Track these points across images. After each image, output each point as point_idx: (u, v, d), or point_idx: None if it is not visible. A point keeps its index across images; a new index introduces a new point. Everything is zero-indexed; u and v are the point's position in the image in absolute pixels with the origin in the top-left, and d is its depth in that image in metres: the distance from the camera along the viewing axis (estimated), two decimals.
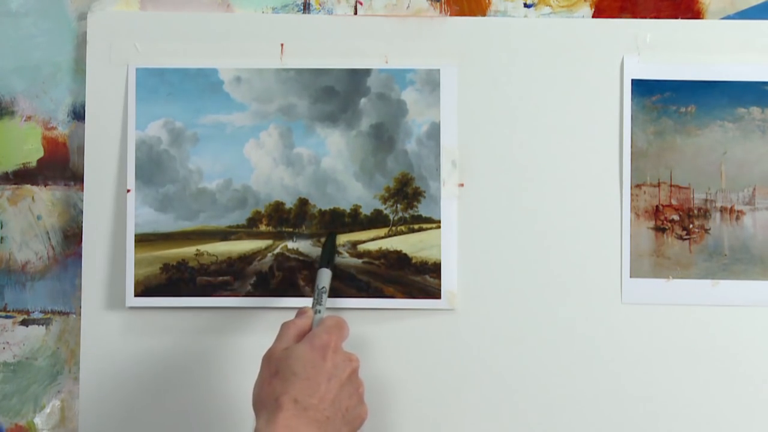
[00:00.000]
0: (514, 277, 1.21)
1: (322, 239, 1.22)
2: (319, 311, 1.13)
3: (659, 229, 1.21)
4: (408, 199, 1.22)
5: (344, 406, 1.06)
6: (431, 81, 1.22)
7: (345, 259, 1.22)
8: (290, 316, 1.21)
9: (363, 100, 1.22)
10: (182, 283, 1.22)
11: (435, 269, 1.21)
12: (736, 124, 1.21)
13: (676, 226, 1.21)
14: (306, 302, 1.20)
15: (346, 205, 1.22)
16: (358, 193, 1.22)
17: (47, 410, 1.25)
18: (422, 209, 1.21)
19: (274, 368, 1.05)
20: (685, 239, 1.21)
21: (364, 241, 1.22)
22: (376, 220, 1.22)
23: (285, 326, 1.10)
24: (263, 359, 1.07)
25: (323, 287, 1.15)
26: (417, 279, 1.21)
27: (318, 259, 1.20)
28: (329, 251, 1.20)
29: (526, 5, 1.24)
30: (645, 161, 1.21)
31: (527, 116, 1.22)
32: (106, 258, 1.22)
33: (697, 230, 1.21)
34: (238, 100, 1.22)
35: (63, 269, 1.25)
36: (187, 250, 1.22)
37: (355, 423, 1.07)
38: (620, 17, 1.23)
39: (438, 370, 1.21)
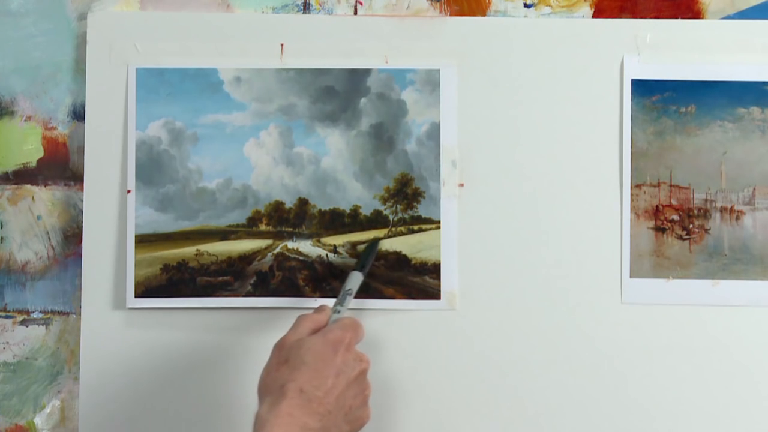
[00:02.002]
0: (514, 277, 1.21)
1: (322, 239, 1.22)
2: (339, 311, 1.12)
3: (659, 229, 1.21)
4: (408, 200, 1.22)
5: (348, 405, 1.06)
6: (431, 81, 1.22)
7: (345, 259, 1.22)
8: (290, 315, 1.21)
9: (363, 100, 1.22)
10: (182, 283, 1.22)
11: (435, 270, 1.21)
12: (736, 124, 1.21)
13: (676, 226, 1.21)
14: (306, 302, 1.21)
15: (345, 206, 1.22)
16: (357, 194, 1.22)
17: (47, 410, 1.25)
18: (422, 210, 1.21)
19: (285, 356, 1.05)
20: (685, 239, 1.21)
21: (363, 242, 1.22)
22: (376, 221, 1.22)
23: (301, 318, 1.10)
24: (275, 347, 1.07)
25: (350, 289, 1.15)
26: (417, 280, 1.21)
27: (357, 262, 1.20)
28: (368, 257, 1.19)
29: (526, 5, 1.24)
30: (645, 161, 1.21)
31: (527, 116, 1.22)
32: (107, 258, 1.22)
33: (697, 230, 1.21)
34: (238, 99, 1.23)
35: (63, 269, 1.25)
36: (187, 250, 1.22)
37: (356, 424, 1.07)
38: (620, 17, 1.23)
39: (438, 371, 1.21)
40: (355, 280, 1.16)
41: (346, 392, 1.05)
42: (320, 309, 1.13)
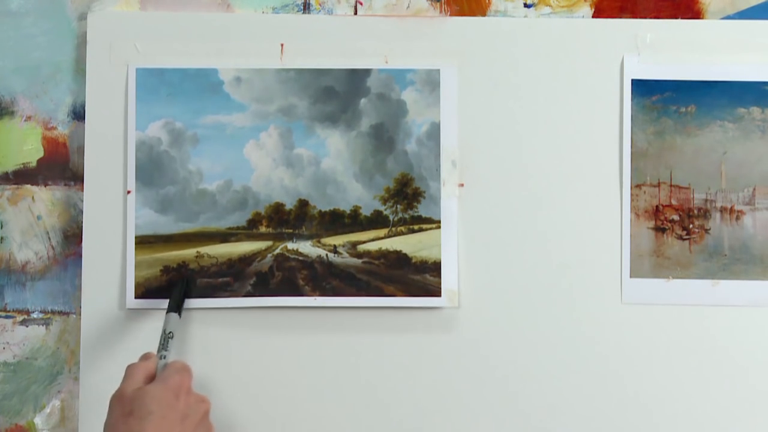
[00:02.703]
0: (514, 276, 1.21)
1: (322, 240, 1.22)
2: (164, 356, 1.12)
3: (659, 229, 1.21)
4: (408, 200, 1.22)
5: None
6: (431, 81, 1.22)
7: (345, 259, 1.22)
8: (291, 315, 1.21)
9: (363, 101, 1.22)
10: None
11: (435, 268, 1.21)
12: (736, 124, 1.21)
13: (676, 226, 1.21)
14: (305, 302, 1.20)
15: (346, 206, 1.22)
16: (358, 194, 1.22)
17: (47, 410, 1.25)
18: (422, 209, 1.21)
19: (128, 408, 1.04)
20: (685, 239, 1.21)
21: (364, 242, 1.22)
22: (376, 221, 1.22)
23: (131, 368, 1.09)
24: (113, 399, 1.06)
25: (170, 332, 1.15)
26: (417, 278, 1.21)
27: (169, 303, 1.19)
28: (180, 297, 1.19)
29: (526, 5, 1.24)
30: (645, 161, 1.21)
31: (527, 116, 1.22)
32: (107, 259, 1.22)
33: (697, 230, 1.21)
34: (238, 100, 1.22)
35: (63, 269, 1.25)
36: (187, 252, 1.22)
37: None
38: (620, 17, 1.23)
39: (438, 369, 1.21)
40: (173, 322, 1.17)
41: None
42: (146, 357, 1.12)
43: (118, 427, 1.03)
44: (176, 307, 1.18)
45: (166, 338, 1.14)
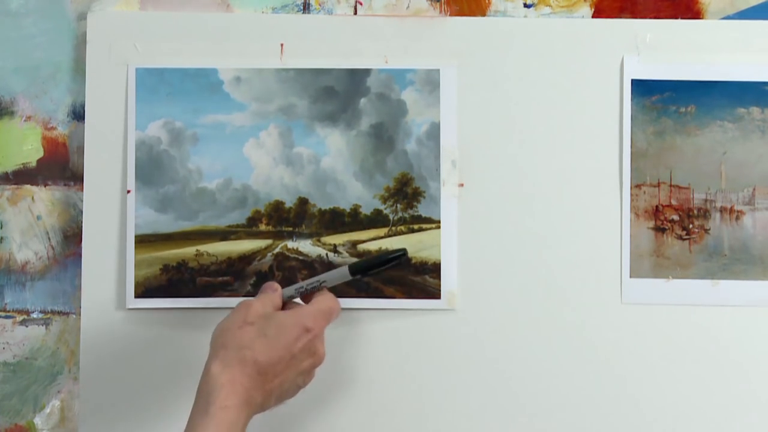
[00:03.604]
0: (514, 277, 1.21)
1: (322, 238, 1.22)
2: (290, 294, 1.12)
3: (659, 229, 1.21)
4: (408, 199, 1.22)
5: (285, 389, 1.07)
6: (431, 81, 1.22)
7: (345, 258, 1.22)
8: None
9: (363, 100, 1.22)
10: (182, 283, 1.22)
11: (435, 269, 1.21)
12: (736, 124, 1.21)
13: (676, 226, 1.21)
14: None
15: (345, 205, 1.22)
16: (358, 193, 1.22)
17: (47, 410, 1.25)
18: (422, 209, 1.21)
19: (252, 318, 1.06)
20: (685, 239, 1.21)
21: (363, 241, 1.22)
22: (376, 220, 1.22)
23: (262, 297, 1.10)
24: (242, 305, 1.07)
25: (324, 281, 1.13)
26: (417, 279, 1.21)
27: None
28: (375, 263, 1.12)
29: (526, 5, 1.24)
30: (645, 161, 1.21)
31: (527, 116, 1.22)
32: (107, 258, 1.22)
33: (697, 230, 1.21)
34: (237, 99, 1.23)
35: (63, 269, 1.25)
36: (187, 251, 1.22)
37: (282, 401, 1.09)
38: (620, 17, 1.23)
39: (438, 371, 1.21)
40: (337, 276, 1.13)
41: (294, 380, 1.08)
42: (272, 288, 1.12)
43: (233, 329, 1.05)
44: (358, 268, 1.12)
45: (312, 282, 1.12)
